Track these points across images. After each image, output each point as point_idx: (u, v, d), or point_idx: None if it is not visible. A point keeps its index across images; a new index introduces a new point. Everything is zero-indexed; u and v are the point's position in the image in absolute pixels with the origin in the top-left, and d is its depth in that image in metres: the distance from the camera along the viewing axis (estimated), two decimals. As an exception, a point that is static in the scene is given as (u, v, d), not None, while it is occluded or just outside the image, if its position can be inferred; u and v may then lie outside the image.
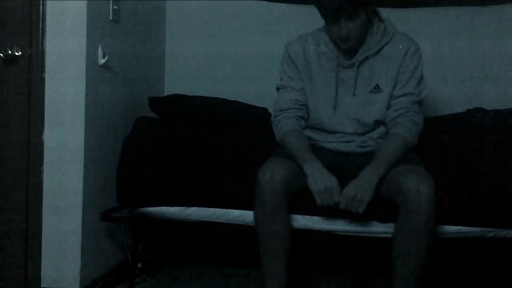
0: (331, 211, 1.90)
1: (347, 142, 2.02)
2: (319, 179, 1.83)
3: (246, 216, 2.03)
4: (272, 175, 1.80)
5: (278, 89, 2.12)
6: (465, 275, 2.46)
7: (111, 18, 2.19)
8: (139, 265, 2.39)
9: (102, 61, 2.10)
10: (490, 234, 1.96)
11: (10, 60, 2.01)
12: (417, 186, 1.74)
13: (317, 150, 1.99)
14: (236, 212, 2.05)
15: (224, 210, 2.06)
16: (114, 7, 2.21)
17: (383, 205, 1.89)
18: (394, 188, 1.82)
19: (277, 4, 2.76)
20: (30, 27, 2.00)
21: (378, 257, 1.97)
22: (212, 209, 2.06)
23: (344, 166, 1.97)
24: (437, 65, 2.65)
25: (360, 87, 1.99)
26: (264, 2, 2.76)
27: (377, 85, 1.99)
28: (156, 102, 2.33)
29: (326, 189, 1.82)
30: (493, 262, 2.43)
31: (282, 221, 1.85)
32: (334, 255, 2.50)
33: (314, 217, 1.99)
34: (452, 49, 2.67)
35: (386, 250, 1.85)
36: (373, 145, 2.01)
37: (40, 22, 1.99)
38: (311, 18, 2.70)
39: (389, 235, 1.89)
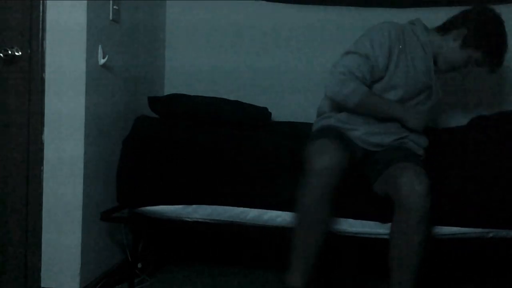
0: None
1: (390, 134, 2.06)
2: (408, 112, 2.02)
3: (246, 213, 2.03)
4: (329, 163, 1.77)
5: (356, 52, 2.01)
6: (465, 275, 2.46)
7: (111, 18, 2.19)
8: (139, 265, 2.39)
9: (102, 61, 2.10)
10: (490, 235, 1.96)
11: (10, 60, 2.01)
12: (411, 182, 1.76)
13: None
14: (237, 210, 2.05)
15: (224, 208, 2.06)
16: (114, 7, 2.21)
17: (384, 206, 1.89)
18: (390, 184, 1.84)
19: (277, 4, 2.75)
20: (30, 27, 2.00)
21: (378, 257, 1.97)
22: (213, 207, 2.06)
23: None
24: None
25: (435, 93, 2.10)
26: (264, 2, 2.76)
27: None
28: (156, 102, 2.32)
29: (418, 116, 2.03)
30: (493, 262, 2.43)
31: (328, 209, 1.84)
32: (334, 255, 2.50)
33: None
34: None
35: (386, 250, 1.85)
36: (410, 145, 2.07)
37: (40, 22, 1.99)
38: (311, 18, 2.73)
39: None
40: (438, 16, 2.65)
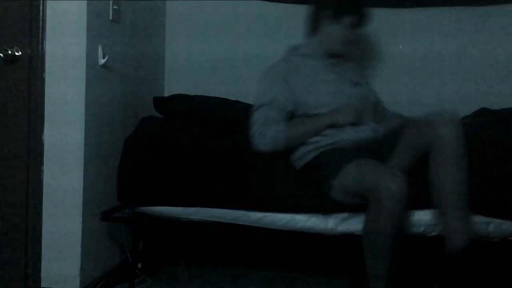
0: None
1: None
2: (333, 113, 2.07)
3: (248, 215, 2.03)
4: (401, 185, 1.76)
5: (259, 106, 2.11)
6: (466, 275, 2.45)
7: (111, 18, 2.19)
8: (139, 265, 2.39)
9: (102, 61, 2.10)
10: (491, 226, 1.96)
11: (10, 60, 2.01)
12: (448, 124, 1.82)
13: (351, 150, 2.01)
14: (239, 212, 2.05)
15: (226, 209, 2.05)
16: (114, 7, 2.21)
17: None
18: (426, 136, 1.87)
19: (277, 4, 2.75)
20: (30, 27, 2.00)
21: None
22: (214, 208, 2.06)
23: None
24: (441, 66, 2.65)
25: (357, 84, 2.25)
26: (264, 2, 2.76)
27: None
28: (161, 102, 2.33)
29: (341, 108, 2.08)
30: (493, 262, 2.43)
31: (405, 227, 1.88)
32: (334, 255, 2.50)
33: (315, 217, 1.99)
34: (456, 49, 2.66)
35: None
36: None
37: (40, 22, 1.99)
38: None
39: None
40: (437, 16, 2.67)
